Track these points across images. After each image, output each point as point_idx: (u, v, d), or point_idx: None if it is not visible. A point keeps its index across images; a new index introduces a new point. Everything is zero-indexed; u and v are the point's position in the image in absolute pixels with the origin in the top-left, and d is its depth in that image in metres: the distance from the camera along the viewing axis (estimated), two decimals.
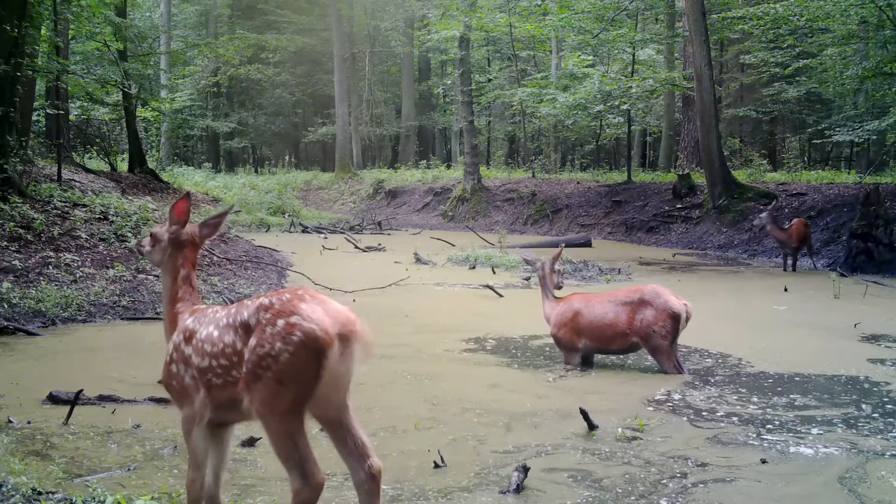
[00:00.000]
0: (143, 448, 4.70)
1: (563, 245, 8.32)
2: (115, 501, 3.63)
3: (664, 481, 4.32)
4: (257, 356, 3.06)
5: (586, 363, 7.05)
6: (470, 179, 27.50)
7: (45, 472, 4.19)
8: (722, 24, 22.28)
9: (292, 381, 3.02)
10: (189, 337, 3.35)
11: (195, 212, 21.32)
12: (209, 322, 3.33)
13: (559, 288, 7.41)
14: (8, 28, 11.50)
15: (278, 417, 3.05)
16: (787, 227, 14.55)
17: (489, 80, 38.00)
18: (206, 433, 3.30)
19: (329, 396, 3.13)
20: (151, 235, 3.84)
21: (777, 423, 5.38)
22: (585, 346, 6.97)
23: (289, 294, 3.18)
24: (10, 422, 5.06)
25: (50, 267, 9.74)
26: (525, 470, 4.25)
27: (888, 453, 4.75)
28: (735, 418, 5.50)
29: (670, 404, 5.83)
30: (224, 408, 3.28)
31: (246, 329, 3.17)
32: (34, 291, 8.88)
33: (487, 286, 11.12)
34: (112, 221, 11.88)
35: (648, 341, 6.72)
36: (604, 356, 7.33)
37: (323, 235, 20.51)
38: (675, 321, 6.63)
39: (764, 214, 14.64)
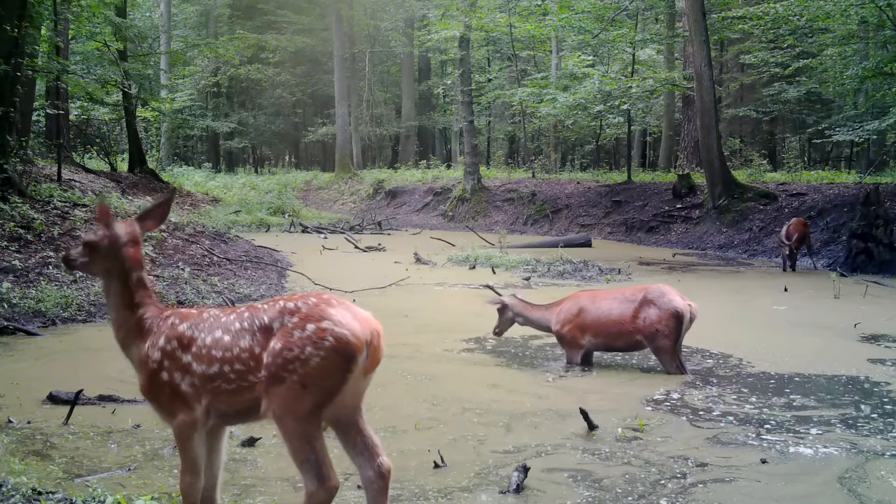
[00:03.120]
0: (143, 448, 4.70)
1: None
2: (115, 501, 3.63)
3: (664, 481, 4.32)
4: (283, 359, 3.03)
5: (586, 362, 7.04)
6: (470, 179, 27.50)
7: (45, 472, 4.19)
8: (722, 24, 22.27)
9: (317, 385, 3.01)
10: (187, 344, 3.23)
11: (195, 211, 21.34)
12: (215, 327, 3.23)
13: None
14: (8, 28, 11.49)
15: (297, 421, 3.04)
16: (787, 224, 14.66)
17: (489, 80, 37.98)
18: (203, 438, 3.28)
19: (347, 401, 3.15)
20: (85, 245, 3.45)
21: (777, 423, 5.38)
22: (590, 343, 6.96)
23: (314, 298, 3.16)
24: (10, 422, 5.06)
25: (50, 267, 9.73)
26: (525, 470, 4.25)
27: (888, 453, 4.76)
28: (735, 418, 5.50)
29: (670, 404, 5.84)
30: (231, 413, 3.24)
31: (266, 333, 3.12)
32: (34, 291, 8.88)
33: (487, 286, 11.11)
34: None
35: (652, 341, 6.71)
36: (609, 355, 7.33)
37: (323, 235, 20.51)
38: (679, 321, 6.62)
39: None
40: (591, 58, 31.26)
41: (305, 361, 3.00)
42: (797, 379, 6.61)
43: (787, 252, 14.11)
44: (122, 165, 26.74)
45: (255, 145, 47.63)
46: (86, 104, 24.38)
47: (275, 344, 3.08)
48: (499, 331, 7.54)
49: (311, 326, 3.04)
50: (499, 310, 7.45)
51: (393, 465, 4.44)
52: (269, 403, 3.09)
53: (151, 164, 28.00)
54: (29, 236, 10.36)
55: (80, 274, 9.80)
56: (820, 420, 5.45)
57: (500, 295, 10.74)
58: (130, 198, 14.79)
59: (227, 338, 3.19)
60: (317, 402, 3.03)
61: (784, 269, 14.27)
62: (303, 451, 3.04)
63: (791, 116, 30.81)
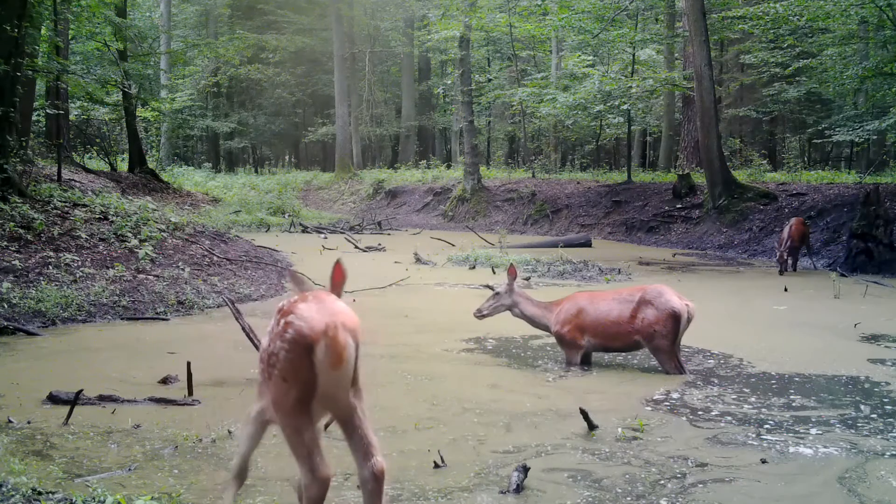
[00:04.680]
0: (143, 448, 4.70)
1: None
2: (115, 501, 3.63)
3: (664, 481, 4.32)
4: (268, 355, 3.24)
5: (585, 362, 7.04)
6: (470, 179, 27.50)
7: (45, 472, 4.19)
8: (722, 24, 22.28)
9: (293, 378, 3.11)
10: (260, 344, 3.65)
11: (195, 211, 21.34)
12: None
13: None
14: (8, 28, 11.50)
15: (285, 415, 3.17)
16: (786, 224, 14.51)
17: (489, 80, 37.99)
18: (254, 428, 3.53)
19: (334, 394, 3.19)
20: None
21: (777, 423, 5.38)
22: (589, 344, 6.95)
23: (298, 295, 3.32)
24: (10, 422, 5.05)
25: (50, 267, 9.74)
26: (525, 470, 4.25)
27: (888, 453, 4.76)
28: (735, 418, 5.49)
29: (670, 404, 5.83)
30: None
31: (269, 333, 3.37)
32: (34, 291, 8.87)
33: (487, 286, 11.10)
34: (112, 221, 11.88)
35: (650, 341, 6.71)
36: (610, 355, 7.32)
37: (323, 235, 20.51)
38: (676, 321, 6.61)
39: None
40: (591, 58, 31.26)
41: (277, 355, 3.15)
42: (797, 379, 6.61)
43: (778, 256, 13.93)
44: (122, 165, 26.76)
45: (255, 145, 47.62)
46: (86, 104, 24.42)
47: (265, 342, 3.30)
48: (484, 314, 7.32)
49: (282, 322, 3.20)
50: (495, 294, 7.32)
51: (393, 466, 4.44)
52: (267, 399, 3.28)
53: (151, 164, 28.03)
54: (29, 236, 10.37)
55: (80, 274, 9.82)
56: (820, 420, 5.45)
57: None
58: (130, 198, 14.77)
59: (264, 340, 3.43)
60: (299, 395, 3.13)
61: (781, 273, 13.94)
62: (294, 443, 3.16)
63: (791, 116, 30.80)
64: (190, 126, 40.13)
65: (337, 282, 3.72)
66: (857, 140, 24.45)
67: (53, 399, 5.52)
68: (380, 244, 18.22)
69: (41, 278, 9.36)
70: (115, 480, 4.14)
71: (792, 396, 6.04)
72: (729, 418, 5.49)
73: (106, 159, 25.63)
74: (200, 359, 6.53)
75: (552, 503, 4.03)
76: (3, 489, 3.74)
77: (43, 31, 16.49)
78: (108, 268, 10.29)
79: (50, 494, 3.73)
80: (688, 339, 7.29)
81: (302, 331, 3.09)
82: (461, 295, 11.38)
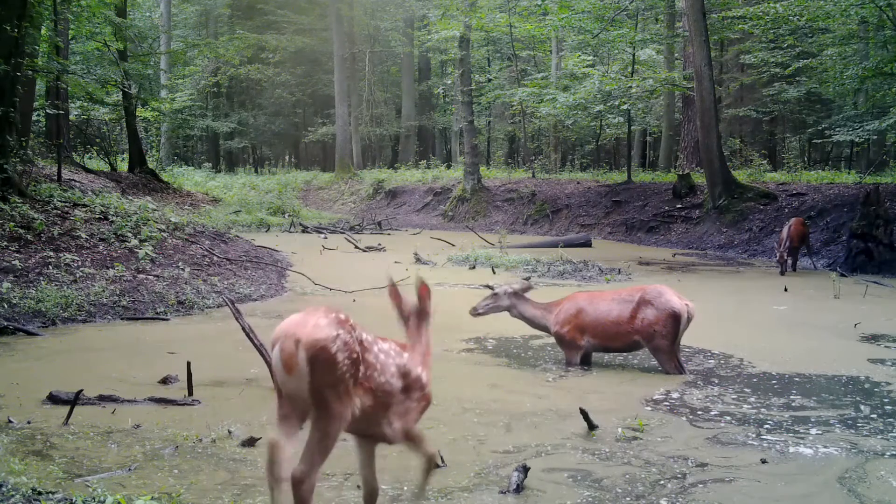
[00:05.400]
0: (143, 448, 4.69)
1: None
2: (115, 501, 3.63)
3: (664, 481, 4.32)
4: None
5: (585, 362, 7.04)
6: (470, 179, 27.50)
7: (45, 472, 4.19)
8: (722, 24, 22.27)
9: (273, 374, 3.49)
10: None
11: (195, 211, 21.34)
12: None
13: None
14: (8, 28, 11.50)
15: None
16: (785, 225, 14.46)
17: (489, 80, 37.98)
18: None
19: (295, 397, 3.29)
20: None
21: (776, 423, 5.38)
22: (589, 344, 6.95)
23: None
24: (10, 422, 5.05)
25: (50, 267, 9.73)
26: (525, 470, 4.25)
27: (888, 453, 4.76)
28: (735, 418, 5.50)
29: (670, 404, 5.84)
30: None
31: None
32: (34, 291, 8.87)
33: (487, 286, 11.08)
34: (112, 221, 11.88)
35: (650, 341, 6.71)
36: (610, 355, 7.32)
37: (323, 235, 20.51)
38: (676, 321, 6.62)
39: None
40: (591, 58, 31.25)
41: None
42: (797, 379, 6.61)
43: (778, 257, 13.90)
44: (122, 165, 26.76)
45: (255, 145, 47.60)
46: (86, 104, 24.42)
47: None
48: (480, 313, 7.31)
49: None
50: (494, 294, 7.32)
51: (393, 465, 4.45)
52: None
53: (151, 164, 28.02)
54: (29, 236, 10.36)
55: (80, 274, 9.82)
56: (820, 420, 5.45)
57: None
58: (130, 198, 14.77)
59: None
60: (279, 390, 3.39)
61: (781, 273, 13.91)
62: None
63: (791, 116, 30.79)
64: (190, 126, 40.12)
65: (423, 296, 3.89)
66: (857, 140, 24.45)
67: (53, 399, 5.52)
68: (380, 244, 18.22)
69: (41, 278, 9.36)
70: (115, 480, 4.14)
71: (792, 396, 6.05)
72: (729, 418, 5.49)
73: (106, 159, 25.63)
74: (200, 359, 6.53)
75: (552, 503, 4.03)
76: (3, 489, 3.74)
77: (43, 31, 16.48)
78: (108, 268, 10.29)
79: (50, 494, 3.74)
80: (688, 339, 7.28)
81: (275, 335, 3.39)
82: (461, 295, 11.38)
